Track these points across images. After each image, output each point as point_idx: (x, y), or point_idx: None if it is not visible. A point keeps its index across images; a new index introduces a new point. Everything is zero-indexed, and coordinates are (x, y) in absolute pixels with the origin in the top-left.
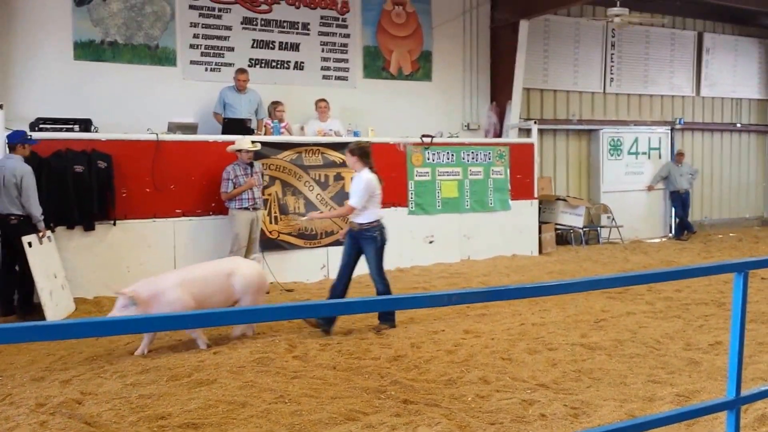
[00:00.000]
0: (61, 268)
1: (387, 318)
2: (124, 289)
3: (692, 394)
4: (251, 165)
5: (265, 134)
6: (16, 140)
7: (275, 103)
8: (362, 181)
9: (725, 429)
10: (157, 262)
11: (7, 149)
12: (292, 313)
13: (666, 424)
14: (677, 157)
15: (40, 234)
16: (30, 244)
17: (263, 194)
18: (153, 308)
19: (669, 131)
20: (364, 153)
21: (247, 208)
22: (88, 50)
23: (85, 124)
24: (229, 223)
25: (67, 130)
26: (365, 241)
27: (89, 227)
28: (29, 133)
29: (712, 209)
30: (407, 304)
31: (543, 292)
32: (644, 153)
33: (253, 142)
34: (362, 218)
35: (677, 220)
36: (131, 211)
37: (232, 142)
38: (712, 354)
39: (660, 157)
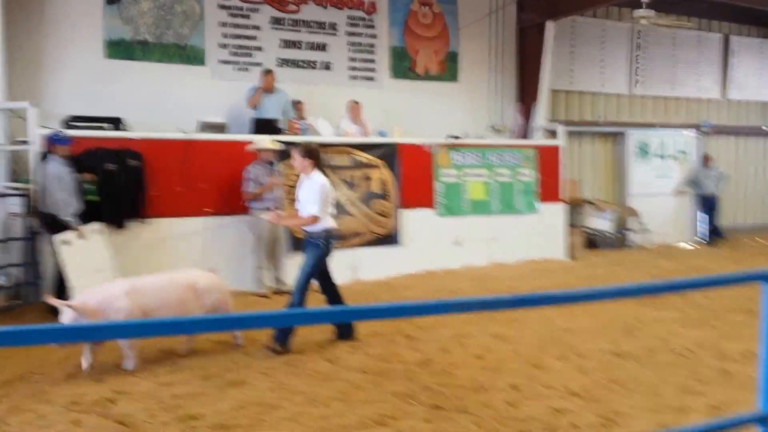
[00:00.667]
0: (110, 265)
1: (345, 332)
2: (70, 302)
3: (724, 404)
4: (271, 164)
5: (293, 134)
6: (55, 141)
7: (296, 102)
8: (318, 186)
9: None
10: (185, 260)
11: (48, 150)
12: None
13: None
14: (705, 160)
15: (77, 232)
16: (66, 242)
17: (291, 194)
18: (100, 319)
19: (696, 134)
20: (316, 155)
21: (269, 209)
22: (118, 48)
23: (116, 123)
24: (252, 224)
25: (98, 128)
26: (309, 248)
27: (120, 225)
28: (67, 132)
29: (739, 214)
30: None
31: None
32: (671, 156)
33: (273, 141)
34: (311, 226)
35: (706, 224)
36: (161, 210)
37: (276, 142)
38: (744, 363)
39: (687, 161)
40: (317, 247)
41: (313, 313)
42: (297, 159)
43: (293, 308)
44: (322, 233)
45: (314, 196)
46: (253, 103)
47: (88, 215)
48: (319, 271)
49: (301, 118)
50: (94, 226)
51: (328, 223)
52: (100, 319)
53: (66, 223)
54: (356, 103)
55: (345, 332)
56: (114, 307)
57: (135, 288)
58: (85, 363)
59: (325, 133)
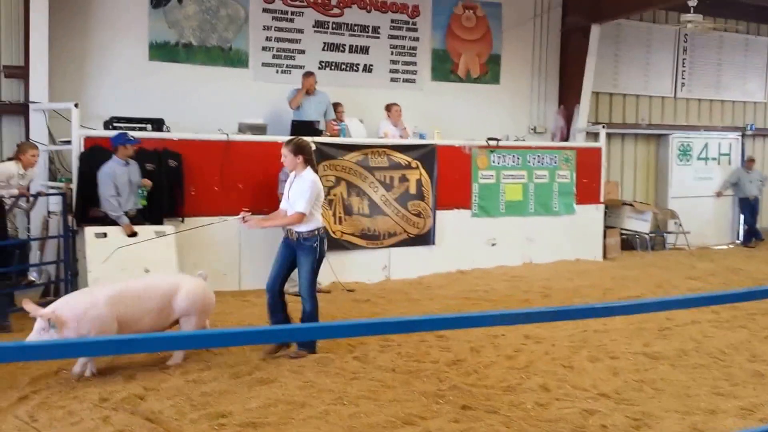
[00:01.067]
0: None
1: (307, 343)
2: (42, 311)
3: (756, 407)
4: None
5: (331, 135)
6: (117, 142)
7: (335, 105)
8: (308, 183)
9: None
10: (222, 259)
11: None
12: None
13: None
14: (747, 163)
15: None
16: (100, 235)
17: (329, 194)
18: (75, 330)
19: (740, 137)
20: (308, 151)
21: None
22: (162, 51)
23: (158, 124)
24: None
25: (140, 129)
26: (303, 252)
27: (158, 223)
28: (132, 134)
29: None
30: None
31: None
32: (714, 159)
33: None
34: (303, 226)
35: (745, 227)
36: (199, 209)
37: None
38: None
39: (730, 163)
40: (312, 250)
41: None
42: (287, 156)
43: (309, 318)
44: (315, 233)
45: (304, 194)
46: (296, 104)
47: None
48: (288, 273)
49: (340, 120)
50: (156, 227)
51: (319, 222)
52: (72, 331)
53: (114, 220)
54: (396, 105)
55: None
56: (89, 316)
57: (114, 295)
58: (77, 369)
59: (357, 135)
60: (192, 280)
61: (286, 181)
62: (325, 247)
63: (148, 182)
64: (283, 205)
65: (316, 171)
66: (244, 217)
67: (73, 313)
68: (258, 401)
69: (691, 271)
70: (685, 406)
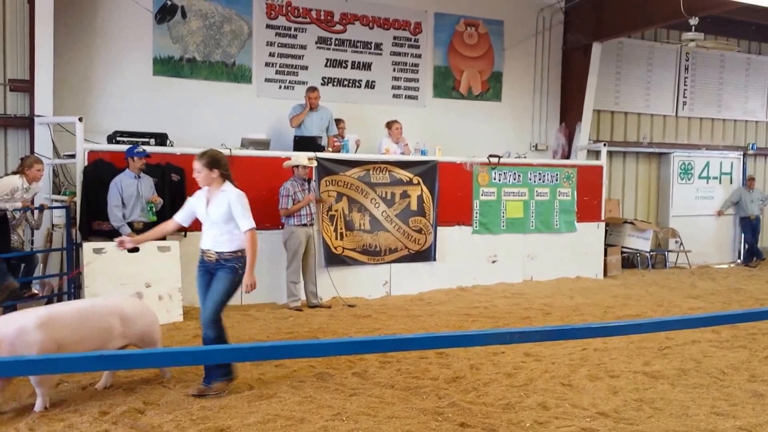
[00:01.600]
0: (163, 279)
1: (218, 375)
2: None
3: (755, 428)
4: (308, 181)
5: (334, 151)
6: (126, 155)
7: (337, 121)
8: (235, 196)
9: None
10: None
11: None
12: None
13: None
14: (748, 182)
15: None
16: (98, 251)
17: (331, 210)
18: (8, 353)
19: (741, 156)
20: (224, 164)
21: (305, 224)
22: (166, 66)
23: (161, 138)
24: (286, 240)
25: (144, 143)
26: (222, 272)
27: (161, 238)
28: (144, 148)
29: None
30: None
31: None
32: (715, 178)
33: (309, 158)
34: (226, 245)
35: (746, 246)
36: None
37: (312, 159)
38: None
39: (731, 182)
40: (232, 271)
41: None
42: (201, 171)
43: (213, 344)
44: (238, 254)
45: (239, 209)
46: (297, 122)
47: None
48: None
49: (341, 136)
50: (159, 242)
51: (242, 243)
52: (6, 353)
53: (119, 232)
54: (397, 122)
55: (217, 372)
56: (24, 341)
57: (49, 318)
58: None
59: (352, 150)
60: (133, 301)
61: (289, 196)
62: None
63: (157, 199)
64: (180, 220)
65: (234, 184)
66: (121, 242)
67: (6, 337)
68: (257, 416)
69: (692, 290)
70: (684, 426)
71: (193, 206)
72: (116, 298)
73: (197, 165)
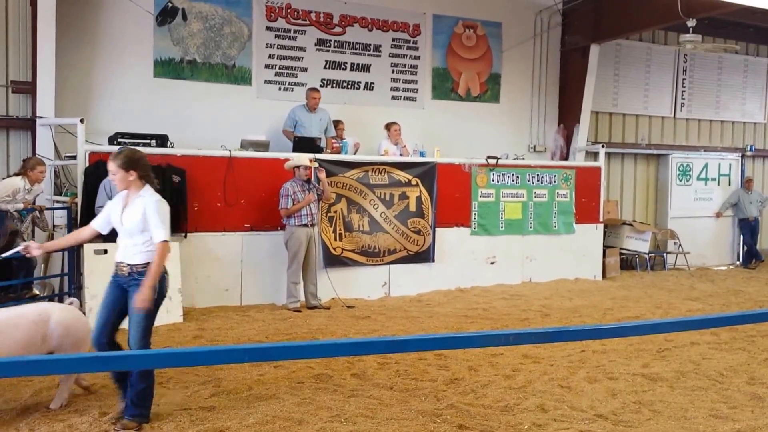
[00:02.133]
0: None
1: (134, 412)
2: None
3: (754, 430)
4: (308, 182)
5: (333, 153)
6: None
7: (336, 122)
8: (154, 204)
9: None
10: (224, 274)
11: None
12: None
13: None
14: (746, 183)
15: None
16: (99, 252)
17: (330, 211)
18: None
19: (739, 158)
20: (143, 165)
21: (306, 225)
22: (167, 68)
23: (162, 140)
24: (287, 240)
25: (144, 144)
26: (137, 289)
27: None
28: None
29: None
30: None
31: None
32: (714, 179)
33: (311, 160)
34: (140, 256)
35: (745, 247)
36: (202, 225)
37: (312, 160)
38: None
39: (730, 184)
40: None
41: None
42: (117, 173)
43: (141, 379)
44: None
45: (155, 217)
46: (289, 137)
47: None
48: (119, 319)
49: (341, 137)
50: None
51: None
52: None
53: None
54: (395, 124)
55: (134, 410)
56: None
57: None
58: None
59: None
60: (63, 307)
61: (289, 196)
62: (167, 285)
63: None
64: (97, 226)
65: (156, 189)
66: (26, 248)
67: None
68: (256, 417)
69: (691, 292)
70: (683, 429)
71: (109, 212)
72: (47, 305)
73: (112, 166)
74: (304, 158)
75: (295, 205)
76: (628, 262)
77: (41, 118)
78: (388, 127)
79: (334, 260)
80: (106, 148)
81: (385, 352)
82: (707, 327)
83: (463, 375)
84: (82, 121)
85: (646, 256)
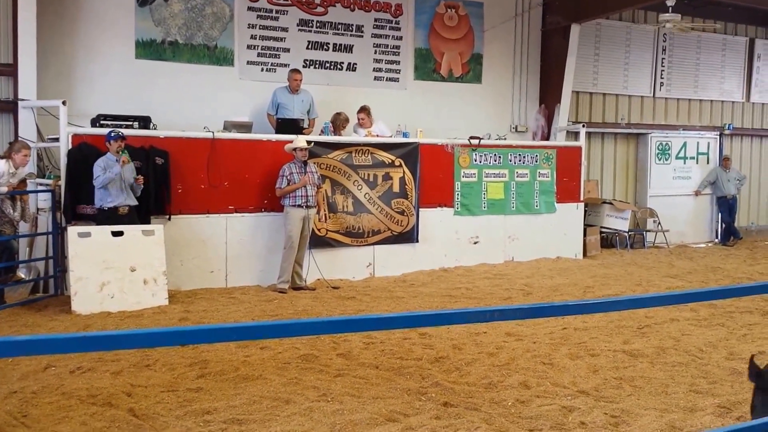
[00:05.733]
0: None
1: None
2: None
3: (734, 405)
4: (305, 164)
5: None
6: (106, 140)
7: (361, 109)
8: None
9: None
10: (209, 256)
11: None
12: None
13: None
14: (724, 162)
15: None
16: (83, 235)
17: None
18: None
19: (718, 136)
20: None
21: (300, 206)
22: (149, 49)
23: (145, 122)
24: (283, 220)
25: (127, 126)
26: None
27: (145, 221)
28: (123, 132)
29: (759, 215)
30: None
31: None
32: (692, 158)
33: (308, 141)
34: None
35: (723, 225)
36: (186, 207)
37: (285, 142)
38: None
39: (708, 162)
40: None
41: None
42: None
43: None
44: None
45: None
46: (271, 121)
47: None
48: None
49: (365, 126)
50: (144, 226)
51: None
52: None
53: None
54: (361, 111)
55: None
56: None
57: None
58: None
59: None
60: None
61: (285, 176)
62: None
63: (141, 179)
64: None
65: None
66: None
67: None
68: (243, 398)
69: (670, 269)
70: (663, 404)
71: None
72: None
73: None
74: (301, 140)
75: (289, 185)
76: (608, 241)
77: (23, 100)
78: (357, 115)
79: (318, 241)
80: (89, 130)
81: (372, 329)
82: (686, 302)
83: (447, 353)
84: (64, 103)
85: (626, 234)
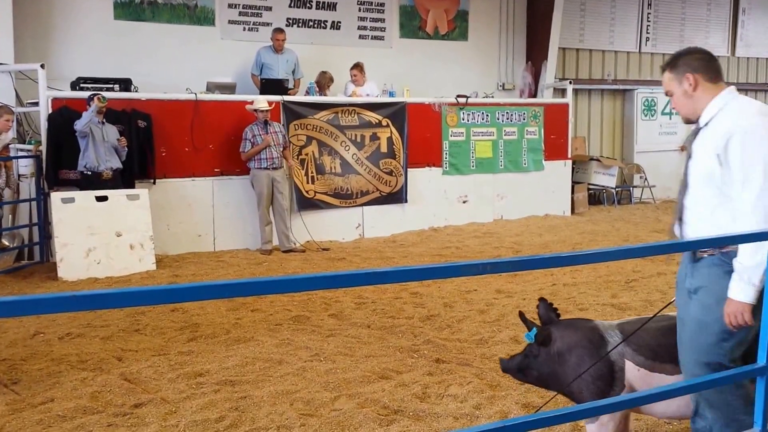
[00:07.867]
0: (133, 227)
1: None
2: None
3: None
4: (267, 123)
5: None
6: (87, 103)
7: (355, 66)
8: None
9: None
10: (196, 220)
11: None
12: None
13: (695, 391)
14: None
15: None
16: (67, 201)
17: (301, 154)
18: None
19: None
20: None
21: (266, 168)
22: (127, 10)
23: (125, 84)
24: (252, 183)
25: (108, 89)
26: None
27: (129, 186)
28: (104, 94)
29: None
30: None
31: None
32: (677, 113)
33: (269, 102)
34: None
35: None
36: (170, 170)
37: (272, 103)
38: None
39: None
40: None
41: None
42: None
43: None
44: None
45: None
46: (255, 82)
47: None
48: None
49: (358, 83)
50: (128, 191)
51: None
52: None
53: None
54: (357, 68)
55: None
56: None
57: None
58: None
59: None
60: None
61: (248, 139)
62: None
63: (123, 141)
64: None
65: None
66: None
67: None
68: (235, 360)
69: (657, 224)
70: None
71: None
72: None
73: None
74: (261, 101)
75: (253, 148)
76: (595, 197)
77: (1, 64)
78: (350, 71)
79: (307, 203)
80: (69, 93)
81: (366, 284)
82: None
83: (438, 311)
84: (42, 66)
85: (613, 190)
